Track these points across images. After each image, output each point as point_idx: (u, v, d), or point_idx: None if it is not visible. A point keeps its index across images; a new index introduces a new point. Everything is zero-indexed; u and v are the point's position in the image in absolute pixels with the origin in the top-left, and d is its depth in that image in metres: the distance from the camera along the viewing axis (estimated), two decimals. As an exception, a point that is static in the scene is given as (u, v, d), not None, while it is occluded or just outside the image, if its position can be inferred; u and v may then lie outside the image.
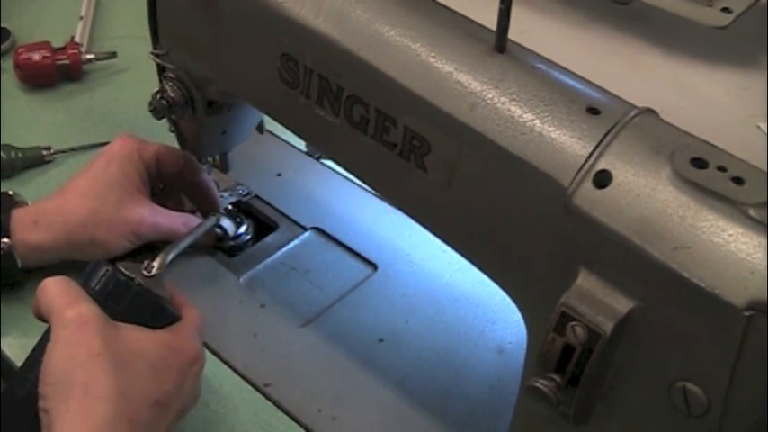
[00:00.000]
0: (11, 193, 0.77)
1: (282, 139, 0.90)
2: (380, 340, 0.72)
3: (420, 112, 0.52)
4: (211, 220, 0.76)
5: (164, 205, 0.76)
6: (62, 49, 0.97)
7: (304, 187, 0.86)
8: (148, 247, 0.74)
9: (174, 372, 0.58)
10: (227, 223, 0.79)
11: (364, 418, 0.67)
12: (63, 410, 0.53)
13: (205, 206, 0.79)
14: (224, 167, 0.81)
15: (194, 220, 0.76)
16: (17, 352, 0.71)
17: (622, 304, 0.46)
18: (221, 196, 0.82)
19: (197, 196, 0.79)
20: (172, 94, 0.71)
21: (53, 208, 0.72)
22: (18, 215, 0.72)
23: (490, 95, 0.50)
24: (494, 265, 0.55)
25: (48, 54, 0.96)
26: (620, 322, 0.45)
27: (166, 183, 0.78)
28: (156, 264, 0.63)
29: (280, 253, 0.79)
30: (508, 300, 0.55)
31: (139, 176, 0.74)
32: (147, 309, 0.61)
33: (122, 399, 0.54)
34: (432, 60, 0.52)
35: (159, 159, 0.75)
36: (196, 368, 0.60)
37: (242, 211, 0.83)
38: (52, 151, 0.87)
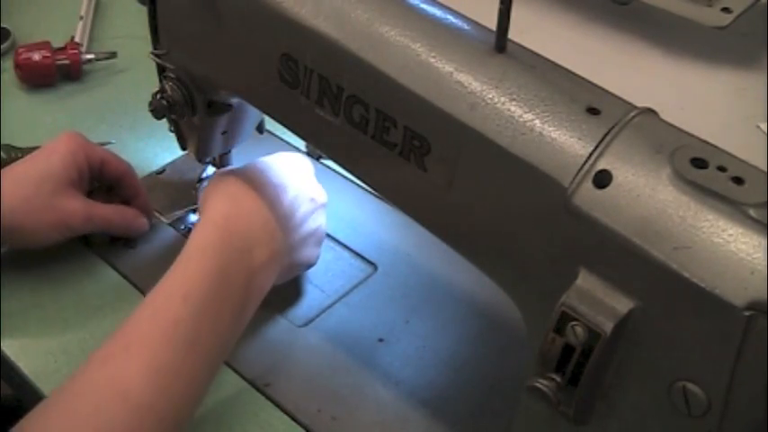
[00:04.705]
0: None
1: (282, 139, 0.90)
2: (380, 340, 0.72)
3: (420, 112, 0.52)
4: None
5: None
6: (62, 49, 0.97)
7: (304, 187, 0.85)
8: None
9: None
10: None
11: (364, 418, 0.67)
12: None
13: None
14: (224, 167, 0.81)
15: (130, 211, 0.78)
16: (17, 352, 0.71)
17: (622, 304, 0.46)
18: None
19: (131, 205, 0.80)
20: (172, 94, 0.71)
21: None
22: None
23: (490, 95, 0.50)
24: (494, 265, 0.55)
25: (48, 54, 0.96)
26: (620, 322, 0.45)
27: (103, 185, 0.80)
28: None
29: (280, 253, 0.79)
30: (508, 300, 0.55)
31: (79, 173, 0.75)
32: None
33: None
34: (432, 60, 0.52)
35: (104, 163, 0.77)
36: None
37: (242, 211, 0.83)
38: (52, 151, 0.88)
